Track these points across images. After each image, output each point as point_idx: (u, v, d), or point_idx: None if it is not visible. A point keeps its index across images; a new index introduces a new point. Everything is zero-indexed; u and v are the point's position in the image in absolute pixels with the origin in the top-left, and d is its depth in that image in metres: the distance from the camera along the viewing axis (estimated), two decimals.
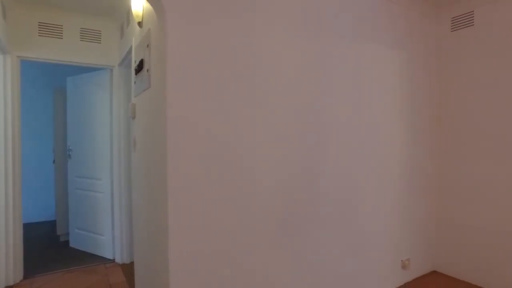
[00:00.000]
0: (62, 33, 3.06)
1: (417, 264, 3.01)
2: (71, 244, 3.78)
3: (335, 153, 2.35)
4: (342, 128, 2.39)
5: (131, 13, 2.61)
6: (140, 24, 2.25)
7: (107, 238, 3.44)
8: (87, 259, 3.42)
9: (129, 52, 2.79)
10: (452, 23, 3.02)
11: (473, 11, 2.88)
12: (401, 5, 2.80)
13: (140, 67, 2.21)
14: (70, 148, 3.78)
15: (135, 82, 2.44)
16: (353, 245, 2.49)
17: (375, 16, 2.60)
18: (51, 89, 5.11)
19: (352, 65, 2.45)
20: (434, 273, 3.13)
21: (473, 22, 2.88)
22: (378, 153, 2.65)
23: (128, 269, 3.21)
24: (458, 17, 2.97)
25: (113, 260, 3.41)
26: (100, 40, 3.24)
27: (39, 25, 2.97)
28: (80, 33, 3.15)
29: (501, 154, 2.72)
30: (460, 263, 2.98)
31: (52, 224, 4.85)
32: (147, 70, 2.04)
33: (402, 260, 2.86)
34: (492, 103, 2.78)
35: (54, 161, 4.03)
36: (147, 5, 2.10)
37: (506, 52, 2.68)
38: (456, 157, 3.01)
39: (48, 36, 3.01)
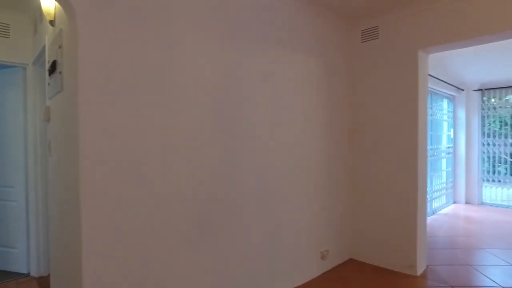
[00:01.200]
0: None
1: (335, 253, 3.30)
2: None
3: (252, 153, 2.49)
4: (258, 128, 2.54)
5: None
6: (52, 23, 2.14)
7: (21, 251, 3.18)
8: None
9: (43, 51, 2.63)
10: (362, 35, 3.36)
11: (378, 26, 3.24)
12: (317, 16, 3.04)
13: (53, 68, 2.11)
14: None
15: (49, 84, 2.32)
16: (273, 240, 2.65)
17: (293, 25, 2.79)
18: None
19: (268, 69, 2.61)
20: (350, 260, 3.44)
21: (378, 35, 3.24)
22: (296, 151, 2.85)
23: (45, 282, 3.00)
24: (366, 30, 3.32)
25: (27, 274, 3.16)
26: (8, 35, 2.99)
27: None
28: None
29: (389, 155, 3.11)
30: (370, 249, 3.33)
31: None
32: (60, 72, 1.96)
33: (321, 252, 3.11)
34: (388, 108, 3.16)
35: None
36: (58, 4, 2.01)
37: (402, 63, 3.07)
38: (364, 155, 3.36)
39: None
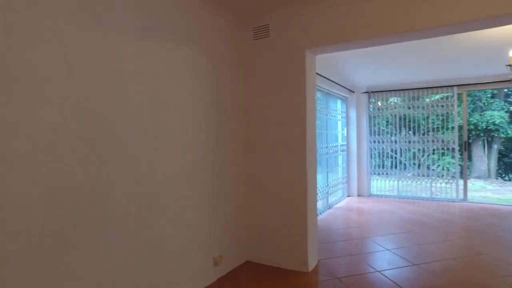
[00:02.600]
0: None
1: (231, 257, 3.18)
2: None
3: (125, 159, 2.20)
4: (134, 130, 2.26)
5: None
6: None
7: None
8: None
9: None
10: (254, 33, 3.31)
11: (268, 24, 3.22)
12: (208, 11, 2.88)
13: None
14: None
15: None
16: (154, 255, 2.40)
17: (178, 17, 2.57)
18: None
19: (149, 64, 2.35)
20: (247, 263, 3.37)
21: (269, 33, 3.23)
22: (181, 155, 2.64)
23: None
24: (258, 28, 3.28)
25: None
26: None
27: None
28: None
29: (285, 151, 3.14)
30: (265, 250, 3.30)
31: None
32: None
33: (213, 257, 2.96)
34: (278, 108, 3.18)
35: None
36: None
37: (291, 63, 3.10)
38: (256, 155, 3.33)
39: None
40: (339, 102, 6.57)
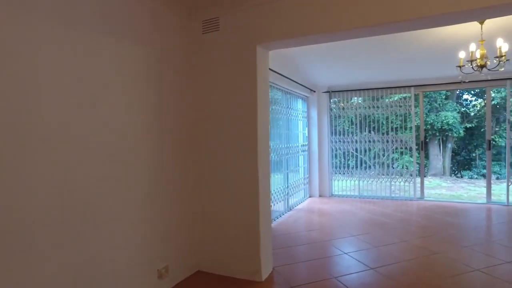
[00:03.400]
0: None
1: (178, 268, 2.93)
2: None
3: (46, 162, 1.89)
4: (60, 131, 1.96)
5: None
6: None
7: None
8: None
9: None
10: (203, 26, 3.08)
11: (218, 17, 3.00)
12: (152, 1, 2.61)
13: None
14: None
15: None
16: (87, 268, 2.10)
17: (114, 6, 2.28)
18: None
19: (83, 59, 2.05)
20: (198, 273, 3.13)
21: (219, 27, 3.01)
22: (118, 159, 2.35)
23: None
24: (208, 21, 3.05)
25: None
26: None
27: None
28: None
29: (235, 153, 2.94)
30: (217, 258, 3.08)
31: None
32: None
33: (158, 270, 2.69)
34: (229, 106, 2.97)
35: None
36: None
37: (241, 58, 2.90)
38: (206, 158, 3.10)
39: None
40: (300, 102, 6.48)
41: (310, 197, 6.70)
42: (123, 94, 2.40)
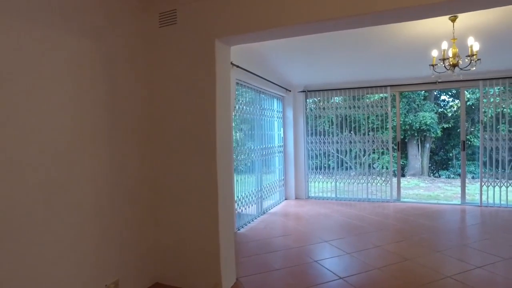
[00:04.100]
0: None
1: (132, 282, 2.68)
2: None
3: None
4: None
5: None
6: None
7: None
8: None
9: None
10: (160, 19, 2.84)
11: (175, 9, 2.77)
12: None
13: None
14: None
15: None
16: None
17: None
18: None
19: (18, 52, 1.78)
20: (156, 285, 2.89)
21: (176, 20, 2.77)
22: (61, 165, 2.09)
23: None
24: (164, 14, 2.81)
25: None
26: None
27: None
28: None
29: (192, 155, 2.72)
30: (176, 270, 2.85)
31: None
32: None
33: (106, 285, 2.44)
34: (187, 104, 2.75)
35: None
36: None
37: (200, 54, 2.68)
38: (162, 161, 2.86)
39: None
40: (275, 102, 6.30)
41: (286, 199, 6.52)
42: (67, 92, 2.14)
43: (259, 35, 2.61)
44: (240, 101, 4.76)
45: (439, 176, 11.56)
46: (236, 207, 4.50)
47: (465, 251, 3.60)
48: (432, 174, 11.93)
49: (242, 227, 4.65)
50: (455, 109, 11.86)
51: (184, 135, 2.78)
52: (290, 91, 6.39)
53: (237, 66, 4.24)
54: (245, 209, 4.93)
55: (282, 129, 6.48)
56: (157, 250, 2.91)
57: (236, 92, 4.61)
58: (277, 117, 6.30)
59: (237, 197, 4.70)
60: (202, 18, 2.68)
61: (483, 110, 5.65)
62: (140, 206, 2.80)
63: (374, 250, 3.65)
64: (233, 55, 4.22)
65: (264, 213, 5.46)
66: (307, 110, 6.58)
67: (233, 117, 4.57)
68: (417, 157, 12.01)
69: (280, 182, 6.37)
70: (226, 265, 2.76)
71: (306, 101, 6.55)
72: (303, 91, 6.48)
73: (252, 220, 4.98)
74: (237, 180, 4.58)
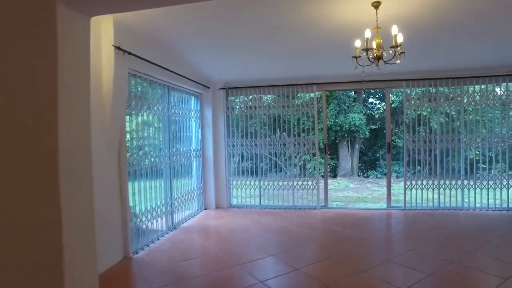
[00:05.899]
0: None
1: None
2: None
3: None
4: None
5: None
6: None
7: None
8: None
9: None
10: None
11: None
12: None
13: None
14: None
15: None
16: None
17: None
18: None
19: None
20: None
21: None
22: None
23: None
24: None
25: None
26: None
27: None
28: None
29: (21, 173, 1.87)
30: None
31: None
32: None
33: None
34: (16, 96, 1.88)
35: None
36: None
37: (37, 23, 1.84)
38: None
39: None
40: (192, 100, 5.54)
41: (205, 209, 5.78)
42: None
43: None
44: (137, 97, 3.92)
45: (368, 177, 11.78)
46: (132, 224, 3.66)
47: (389, 269, 3.20)
48: (362, 174, 12.14)
49: (142, 249, 3.81)
50: (381, 111, 12.21)
51: (16, 138, 1.90)
52: (209, 88, 5.65)
53: (130, 53, 3.40)
54: (150, 224, 4.10)
55: (200, 130, 5.73)
56: None
57: (132, 87, 3.76)
58: (194, 117, 5.54)
59: (138, 211, 3.87)
60: None
61: (406, 111, 5.56)
62: None
63: (292, 275, 3.09)
64: (131, 42, 3.45)
65: (175, 228, 4.65)
66: (230, 109, 5.90)
67: (127, 116, 3.72)
68: (348, 157, 12.13)
69: (199, 190, 5.61)
70: None
71: (227, 99, 5.87)
72: (224, 88, 5.79)
73: (158, 239, 4.16)
74: (134, 192, 3.76)
